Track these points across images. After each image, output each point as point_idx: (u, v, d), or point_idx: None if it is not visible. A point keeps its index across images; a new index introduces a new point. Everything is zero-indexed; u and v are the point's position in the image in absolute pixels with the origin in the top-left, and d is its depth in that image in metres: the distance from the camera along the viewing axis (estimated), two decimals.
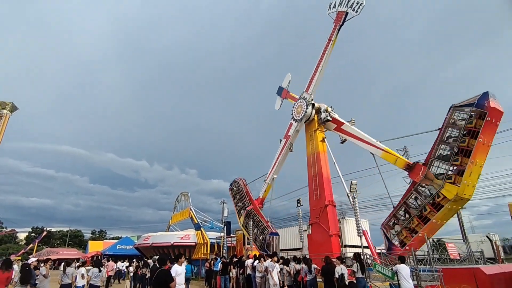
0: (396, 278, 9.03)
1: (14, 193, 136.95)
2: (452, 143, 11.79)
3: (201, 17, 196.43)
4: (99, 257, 37.34)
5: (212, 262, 18.85)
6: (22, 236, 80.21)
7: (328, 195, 17.74)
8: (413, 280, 9.56)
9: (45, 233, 63.59)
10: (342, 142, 18.22)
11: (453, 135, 11.92)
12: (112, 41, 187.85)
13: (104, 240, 65.44)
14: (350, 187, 13.09)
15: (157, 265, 6.36)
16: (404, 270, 8.82)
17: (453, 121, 11.99)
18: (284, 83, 26.03)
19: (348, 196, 14.76)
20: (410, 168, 13.59)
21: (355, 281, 8.72)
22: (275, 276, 10.51)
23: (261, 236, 20.15)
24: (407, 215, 13.07)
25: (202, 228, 30.33)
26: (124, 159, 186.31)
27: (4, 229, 71.20)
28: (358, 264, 8.77)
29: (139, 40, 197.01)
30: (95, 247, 50.35)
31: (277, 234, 19.95)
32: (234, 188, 24.94)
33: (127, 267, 24.06)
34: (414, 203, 12.90)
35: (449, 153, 11.81)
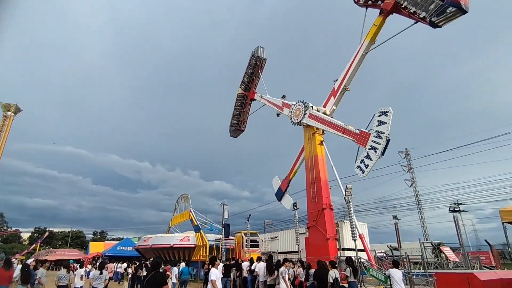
0: (388, 282, 9.04)
1: (18, 193, 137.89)
2: None
3: (203, 18, 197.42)
4: (100, 258, 37.54)
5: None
6: (25, 236, 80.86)
7: (326, 198, 17.73)
8: (406, 284, 9.55)
9: (47, 233, 63.98)
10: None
11: None
12: (113, 44, 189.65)
13: (105, 241, 65.63)
14: (345, 191, 13.08)
15: (152, 268, 6.35)
16: (396, 274, 8.82)
17: None
18: (275, 187, 24.77)
19: (345, 200, 14.76)
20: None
21: (346, 286, 8.73)
22: (286, 281, 10.48)
23: (235, 121, 28.25)
24: None
25: (201, 230, 30.36)
26: (127, 161, 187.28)
27: (9, 229, 71.95)
28: (351, 268, 8.78)
29: (139, 43, 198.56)
30: (96, 248, 50.50)
31: (243, 130, 28.53)
32: (252, 61, 27.10)
33: (125, 269, 24.14)
34: None
35: None
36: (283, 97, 23.68)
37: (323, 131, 20.05)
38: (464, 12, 13.51)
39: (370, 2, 18.03)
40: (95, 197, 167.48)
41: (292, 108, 21.13)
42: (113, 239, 76.51)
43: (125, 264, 26.29)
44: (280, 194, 24.08)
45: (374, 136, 13.80)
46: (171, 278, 13.94)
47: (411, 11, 14.94)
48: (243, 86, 28.03)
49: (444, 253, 12.16)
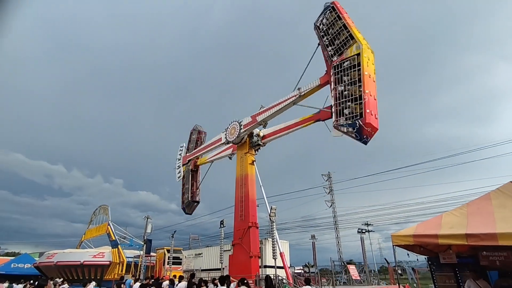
0: None
1: None
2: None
3: (142, 23, 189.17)
4: None
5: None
6: None
7: (252, 217, 18.33)
8: None
9: None
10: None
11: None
12: (35, 31, 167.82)
13: None
14: (270, 211, 13.84)
15: None
16: None
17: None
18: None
19: (270, 219, 15.52)
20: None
21: None
22: None
23: (187, 195, 25.85)
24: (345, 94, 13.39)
25: (119, 246, 28.10)
26: (36, 162, 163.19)
27: None
28: (265, 286, 9.33)
29: (67, 36, 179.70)
30: None
31: (198, 202, 26.21)
32: (193, 136, 27.31)
33: None
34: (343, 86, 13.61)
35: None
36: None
37: (255, 151, 20.92)
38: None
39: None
40: None
41: (227, 130, 21.56)
42: (7, 254, 64.88)
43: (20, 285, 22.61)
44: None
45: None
46: None
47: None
48: (183, 167, 26.94)
49: (349, 271, 13.65)
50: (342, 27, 14.79)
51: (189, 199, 25.70)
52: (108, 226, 31.48)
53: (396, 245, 8.55)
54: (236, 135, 20.28)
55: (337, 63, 14.35)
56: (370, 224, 39.00)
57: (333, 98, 14.12)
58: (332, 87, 14.37)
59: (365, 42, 13.79)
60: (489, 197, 7.56)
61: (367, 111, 12.25)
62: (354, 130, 12.74)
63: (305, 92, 16.67)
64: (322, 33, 15.99)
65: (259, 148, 21.38)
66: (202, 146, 25.63)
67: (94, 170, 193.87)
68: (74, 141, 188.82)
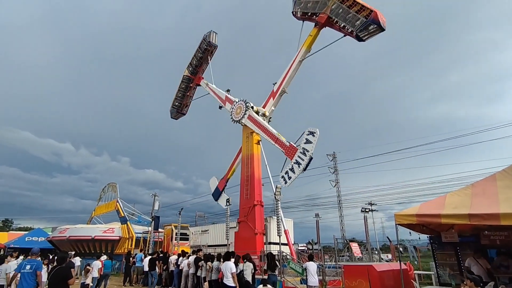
0: (305, 273, 10.16)
1: None
2: None
3: None
4: (2, 250, 32.98)
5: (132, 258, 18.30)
6: None
7: (258, 195, 18.65)
8: (319, 275, 10.85)
9: None
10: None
11: None
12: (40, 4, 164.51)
13: (10, 232, 57.51)
14: (275, 190, 14.07)
15: (56, 262, 6.26)
16: (311, 266, 9.98)
17: None
18: (212, 187, 23.82)
19: (274, 198, 15.80)
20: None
21: (266, 277, 9.59)
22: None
23: (177, 103, 27.20)
24: None
25: (128, 222, 29.03)
26: (44, 140, 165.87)
27: None
28: (267, 262, 9.73)
29: (75, 7, 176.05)
30: None
31: (184, 114, 27.82)
32: (203, 45, 25.43)
33: None
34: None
35: None
36: (228, 91, 23.59)
37: None
38: (382, 29, 15.46)
39: (306, 16, 19.03)
40: None
41: (234, 105, 21.50)
42: (20, 229, 67.48)
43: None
44: (217, 194, 23.36)
45: (300, 152, 14.94)
46: (91, 273, 13.24)
47: (341, 25, 16.60)
48: (190, 69, 26.73)
49: (351, 248, 14.02)
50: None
51: (178, 108, 27.10)
52: (117, 203, 32.36)
53: (399, 224, 8.73)
54: (242, 115, 20.26)
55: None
56: (374, 204, 39.39)
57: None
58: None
59: None
60: (495, 178, 7.60)
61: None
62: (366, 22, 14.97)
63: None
64: None
65: None
66: (210, 89, 25.13)
67: (101, 148, 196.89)
68: (81, 120, 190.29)
